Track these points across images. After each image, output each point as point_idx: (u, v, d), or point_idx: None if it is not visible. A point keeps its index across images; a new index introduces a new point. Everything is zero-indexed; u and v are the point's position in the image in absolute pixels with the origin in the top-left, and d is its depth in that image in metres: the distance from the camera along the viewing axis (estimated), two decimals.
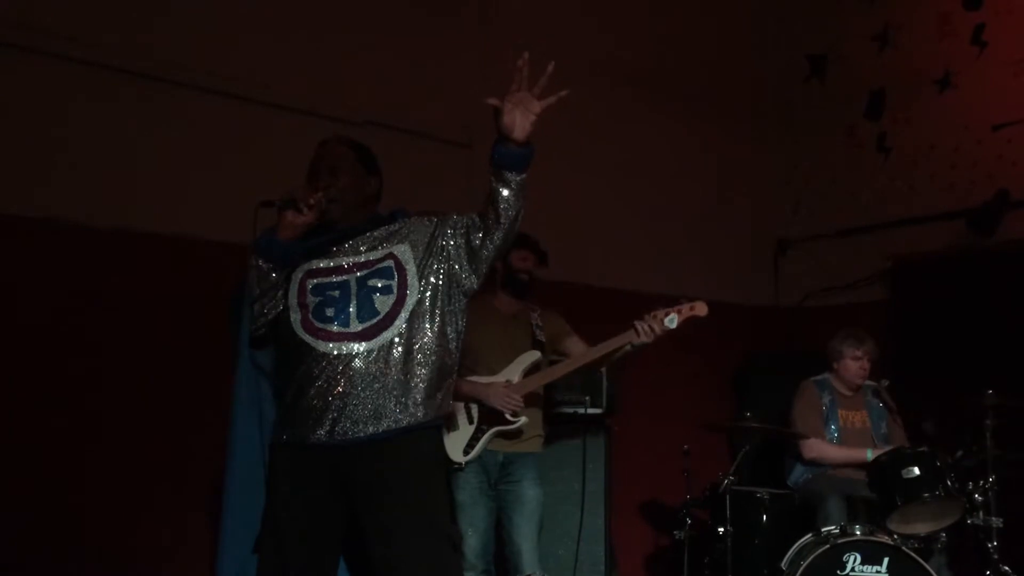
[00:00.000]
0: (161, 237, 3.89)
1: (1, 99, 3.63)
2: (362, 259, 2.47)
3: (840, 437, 4.35)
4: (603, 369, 4.24)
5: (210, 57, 4.08)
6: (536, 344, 3.68)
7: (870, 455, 4.04)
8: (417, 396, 2.39)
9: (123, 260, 3.81)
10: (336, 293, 2.43)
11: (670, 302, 3.47)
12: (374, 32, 4.58)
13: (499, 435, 3.56)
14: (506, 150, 2.36)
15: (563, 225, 4.98)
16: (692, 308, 3.44)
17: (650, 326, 3.38)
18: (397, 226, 2.54)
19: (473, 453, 3.51)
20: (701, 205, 5.81)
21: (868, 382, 4.46)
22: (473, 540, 3.56)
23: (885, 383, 4.40)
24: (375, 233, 2.51)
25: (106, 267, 3.78)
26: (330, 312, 2.41)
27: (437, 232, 2.50)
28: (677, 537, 4.13)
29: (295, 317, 2.44)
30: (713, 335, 5.46)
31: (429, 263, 2.47)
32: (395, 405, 2.36)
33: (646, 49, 5.59)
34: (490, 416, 3.54)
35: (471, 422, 3.54)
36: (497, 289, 3.73)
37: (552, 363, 3.72)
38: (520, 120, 2.32)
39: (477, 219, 2.48)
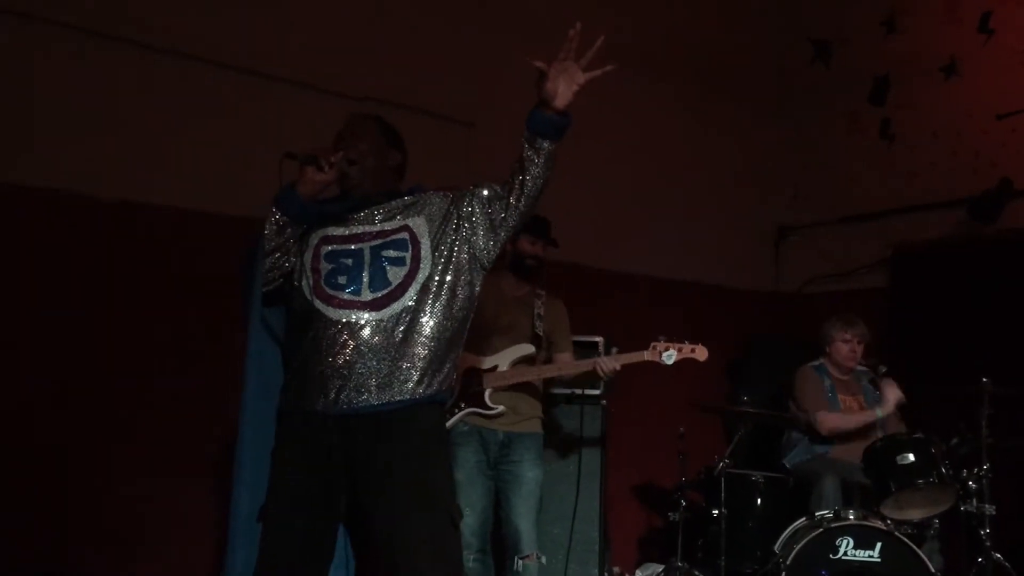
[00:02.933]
0: (162, 209, 3.88)
1: None
2: (377, 228, 2.50)
3: None
4: (600, 349, 4.26)
5: (212, 30, 4.05)
6: (534, 337, 3.68)
7: (880, 413, 4.22)
8: (423, 369, 2.40)
9: (122, 233, 3.80)
10: (349, 261, 2.45)
11: (674, 334, 3.62)
12: (375, 8, 4.55)
13: (480, 415, 3.57)
14: (544, 116, 2.36)
15: (563, 206, 4.95)
16: (693, 351, 3.55)
17: (612, 368, 3.62)
18: (414, 199, 2.56)
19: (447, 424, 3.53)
20: (702, 189, 5.79)
21: (861, 367, 4.50)
22: (470, 519, 3.57)
23: (883, 369, 4.41)
24: (392, 204, 2.54)
25: (103, 240, 3.77)
26: (342, 280, 2.43)
27: (453, 207, 2.52)
28: (671, 519, 4.14)
29: (307, 282, 2.46)
30: (712, 319, 5.49)
31: (443, 238, 2.49)
32: (401, 377, 2.37)
33: (648, 31, 5.55)
34: (470, 395, 3.55)
35: (451, 395, 3.56)
36: (504, 269, 3.72)
37: (546, 359, 3.75)
38: (563, 88, 2.34)
39: (499, 188, 2.49)
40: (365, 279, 2.42)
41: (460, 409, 3.55)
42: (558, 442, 4.25)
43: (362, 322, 2.38)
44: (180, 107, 3.95)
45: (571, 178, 5.07)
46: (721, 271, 5.80)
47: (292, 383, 2.46)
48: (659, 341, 3.55)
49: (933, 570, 3.59)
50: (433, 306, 2.44)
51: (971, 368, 4.06)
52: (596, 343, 4.28)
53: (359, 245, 2.48)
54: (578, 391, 4.17)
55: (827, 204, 5.96)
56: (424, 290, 2.43)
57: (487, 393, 3.56)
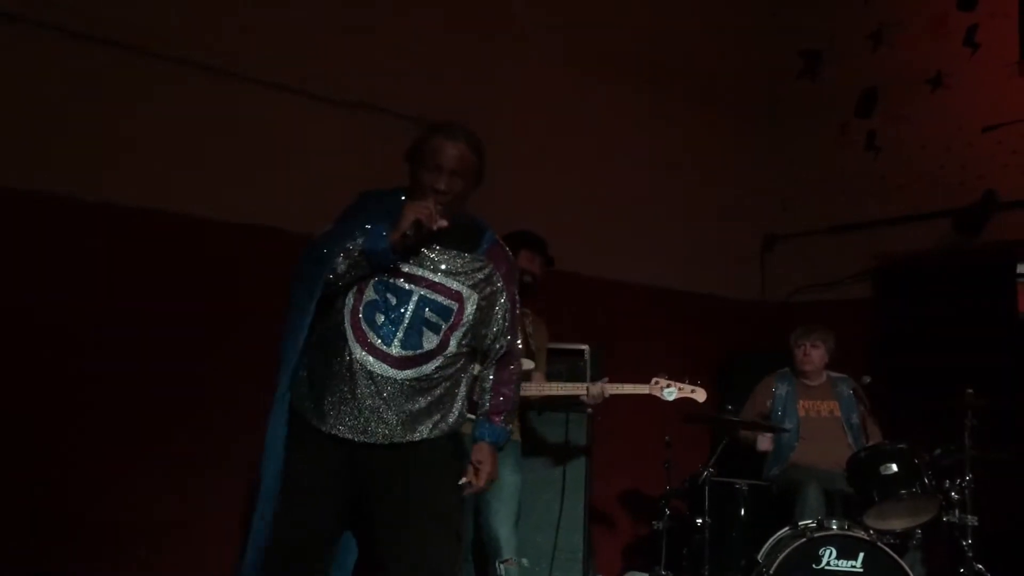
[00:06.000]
0: (168, 215, 3.88)
1: (8, 72, 3.60)
2: (437, 280, 2.47)
3: (801, 427, 4.42)
4: (587, 357, 4.27)
5: (208, 36, 4.06)
6: (527, 353, 3.69)
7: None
8: (443, 414, 2.49)
9: (131, 237, 3.80)
10: (394, 300, 2.43)
11: (675, 373, 3.70)
12: (369, 14, 4.56)
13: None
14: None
15: (552, 215, 4.98)
16: (693, 392, 3.66)
17: (600, 391, 3.66)
18: (484, 268, 2.53)
19: None
20: (690, 199, 5.81)
21: (838, 375, 4.52)
22: None
23: (867, 380, 4.44)
24: (465, 261, 2.50)
25: (104, 243, 3.76)
26: (379, 319, 2.42)
27: (509, 312, 2.58)
28: (656, 527, 4.15)
29: (350, 301, 2.45)
30: (698, 328, 5.52)
31: (478, 327, 2.53)
32: (417, 422, 2.44)
33: (637, 43, 5.57)
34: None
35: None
36: None
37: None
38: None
39: (501, 351, 2.60)
40: (400, 333, 2.42)
41: None
42: (543, 449, 4.25)
43: (386, 375, 2.41)
44: (199, 118, 3.98)
45: (561, 187, 5.13)
46: (708, 280, 5.82)
47: (311, 394, 2.46)
48: (661, 377, 3.66)
49: None
50: (455, 369, 2.51)
51: (955, 379, 4.08)
52: (582, 351, 4.29)
53: (411, 287, 2.45)
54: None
55: (814, 215, 5.99)
56: (449, 358, 2.48)
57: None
